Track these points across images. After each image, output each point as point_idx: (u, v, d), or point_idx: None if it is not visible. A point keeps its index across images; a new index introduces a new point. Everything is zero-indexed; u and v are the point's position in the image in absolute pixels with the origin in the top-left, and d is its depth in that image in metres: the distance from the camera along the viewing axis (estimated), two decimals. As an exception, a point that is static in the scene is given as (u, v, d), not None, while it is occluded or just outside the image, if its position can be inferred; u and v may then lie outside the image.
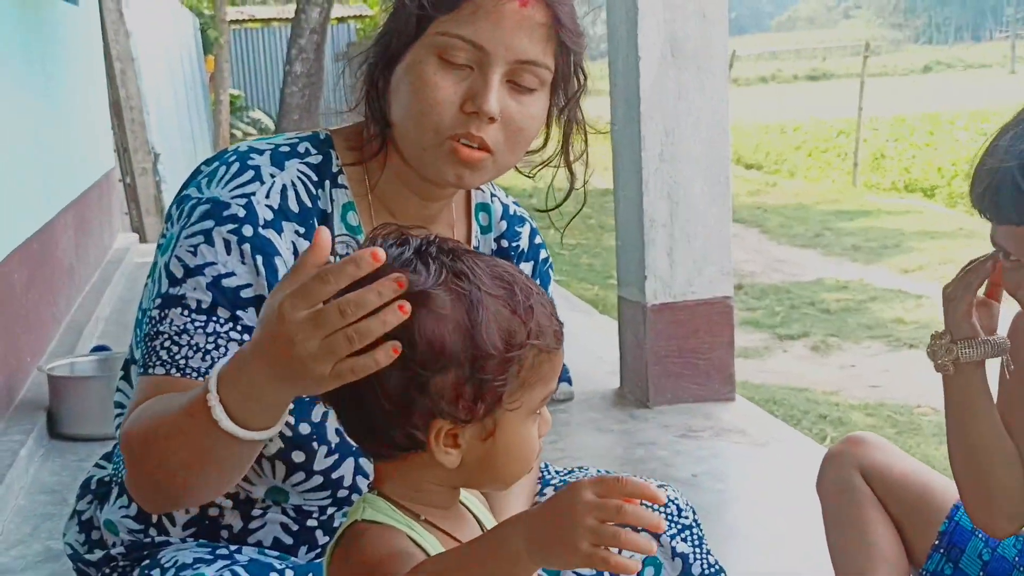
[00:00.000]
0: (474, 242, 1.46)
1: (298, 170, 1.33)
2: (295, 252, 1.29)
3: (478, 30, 1.25)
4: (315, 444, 1.32)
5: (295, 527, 1.38)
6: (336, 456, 1.34)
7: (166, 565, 1.31)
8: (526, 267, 1.50)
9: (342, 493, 1.37)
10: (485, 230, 1.48)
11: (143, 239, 8.40)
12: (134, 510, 1.38)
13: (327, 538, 1.39)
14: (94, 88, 7.27)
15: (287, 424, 1.30)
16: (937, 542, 1.77)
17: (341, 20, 20.78)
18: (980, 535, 1.74)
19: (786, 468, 3.17)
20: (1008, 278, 1.35)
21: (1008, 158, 1.26)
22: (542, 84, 1.31)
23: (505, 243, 1.49)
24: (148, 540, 1.38)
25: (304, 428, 1.32)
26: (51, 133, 5.16)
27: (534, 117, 1.31)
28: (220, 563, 1.29)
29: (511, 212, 1.51)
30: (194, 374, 1.24)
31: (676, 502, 1.50)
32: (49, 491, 3.23)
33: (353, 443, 1.29)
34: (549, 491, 1.52)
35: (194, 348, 1.24)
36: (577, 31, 1.32)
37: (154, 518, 1.38)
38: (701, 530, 1.49)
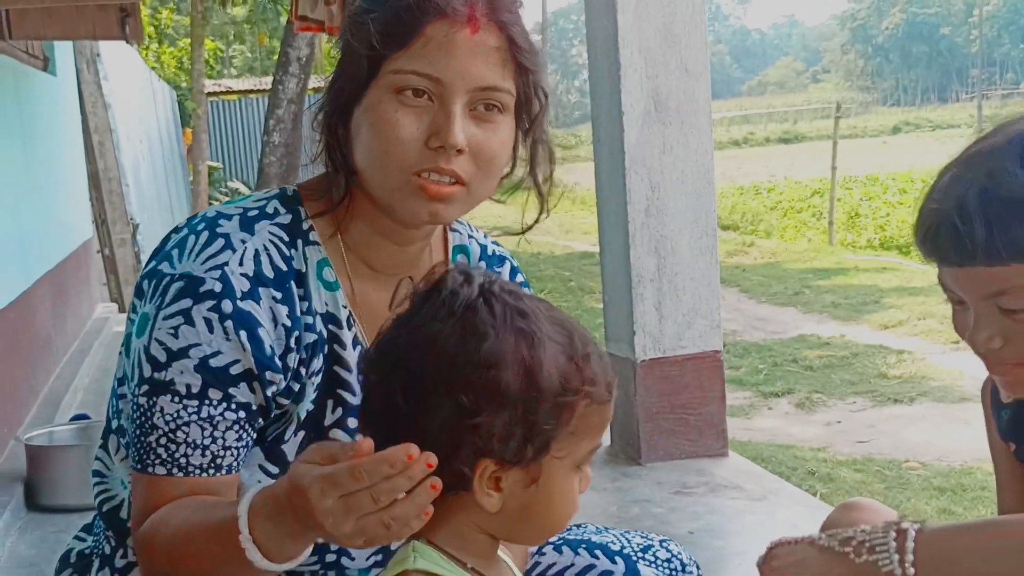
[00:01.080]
0: None
1: (269, 232, 1.29)
2: (274, 319, 1.25)
3: (432, 63, 1.23)
4: None
5: None
6: None
7: None
8: None
9: (329, 557, 1.34)
10: None
11: (122, 309, 8.33)
12: None
13: None
14: (72, 159, 7.26)
15: None
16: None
17: (317, 90, 20.93)
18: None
19: (784, 523, 3.12)
20: (956, 321, 1.33)
21: (946, 200, 1.24)
22: (505, 109, 1.28)
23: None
24: None
25: None
26: (29, 203, 5.13)
27: (503, 143, 1.28)
28: None
29: (489, 252, 1.49)
30: (198, 472, 1.22)
31: (679, 557, 1.46)
32: (27, 564, 3.14)
33: None
34: (547, 548, 1.48)
35: (192, 445, 1.22)
36: (532, 50, 1.29)
37: None
38: None
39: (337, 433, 1.32)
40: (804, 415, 5.79)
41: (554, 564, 1.45)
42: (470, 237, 1.49)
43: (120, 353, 1.33)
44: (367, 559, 1.35)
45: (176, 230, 1.31)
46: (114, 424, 1.36)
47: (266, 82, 20.49)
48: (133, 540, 1.25)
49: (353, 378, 1.32)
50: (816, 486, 4.21)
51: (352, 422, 1.32)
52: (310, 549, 1.09)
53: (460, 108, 1.24)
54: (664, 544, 1.48)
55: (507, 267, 1.50)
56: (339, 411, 1.32)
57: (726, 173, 19.59)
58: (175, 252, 1.27)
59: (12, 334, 4.33)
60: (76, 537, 1.47)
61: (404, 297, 1.07)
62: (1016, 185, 1.20)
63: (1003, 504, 1.59)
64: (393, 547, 1.30)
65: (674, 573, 1.44)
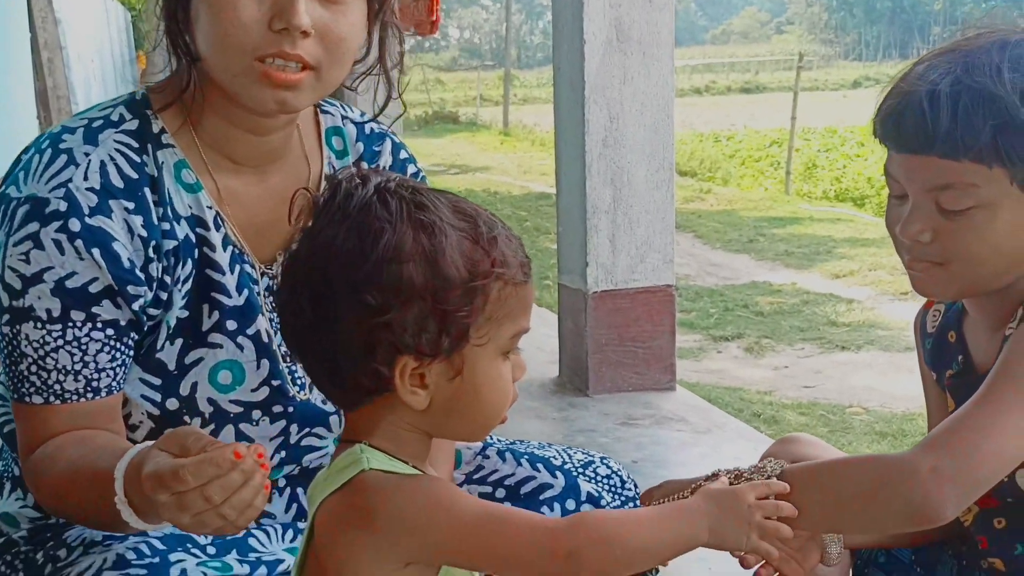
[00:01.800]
0: (327, 169, 1.38)
1: (115, 141, 1.24)
2: (129, 230, 1.21)
3: None
4: (186, 418, 1.27)
5: None
6: (212, 426, 1.29)
7: (73, 544, 1.25)
8: None
9: None
10: (341, 155, 1.41)
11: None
12: (32, 500, 1.32)
13: None
14: (19, 74, 7.07)
15: (152, 403, 1.26)
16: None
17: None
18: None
19: (728, 455, 3.15)
20: (889, 215, 1.33)
21: (918, 84, 1.23)
22: None
23: (366, 164, 1.40)
24: (53, 522, 1.32)
25: (172, 404, 1.26)
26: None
27: (352, 24, 1.24)
28: (133, 538, 1.22)
29: (367, 131, 1.43)
30: (74, 397, 1.20)
31: (620, 474, 1.47)
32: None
33: (230, 409, 1.27)
34: (492, 451, 1.48)
35: (63, 371, 1.20)
36: None
37: None
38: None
39: (216, 337, 1.28)
40: (753, 359, 5.85)
41: (496, 471, 1.45)
42: (344, 118, 1.42)
43: None
44: (270, 457, 1.31)
45: (25, 150, 1.27)
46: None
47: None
48: (23, 473, 1.24)
49: (227, 279, 1.28)
50: (761, 427, 4.25)
51: (231, 324, 1.29)
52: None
53: None
54: (604, 461, 1.49)
55: (387, 144, 1.45)
56: (216, 314, 1.28)
57: (686, 120, 19.58)
58: (21, 174, 1.23)
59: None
60: None
61: (301, 209, 1.04)
62: (990, 82, 1.20)
63: (932, 429, 1.61)
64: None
65: (613, 489, 1.46)
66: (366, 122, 1.45)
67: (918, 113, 1.22)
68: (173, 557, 1.21)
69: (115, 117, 1.27)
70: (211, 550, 1.28)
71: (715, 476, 1.22)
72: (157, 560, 1.19)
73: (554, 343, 3.98)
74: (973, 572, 1.42)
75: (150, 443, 1.06)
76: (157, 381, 1.26)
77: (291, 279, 1.03)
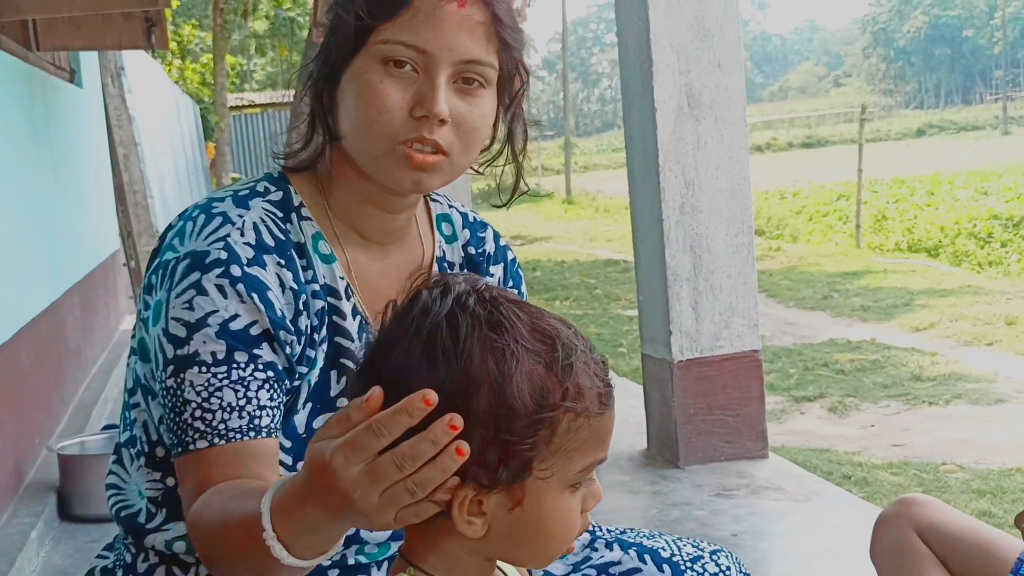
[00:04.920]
0: (439, 252, 1.45)
1: (263, 208, 1.31)
2: (281, 284, 1.27)
3: (419, 34, 1.25)
4: None
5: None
6: None
7: None
8: (496, 270, 1.50)
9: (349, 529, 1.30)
10: (450, 240, 1.48)
11: (148, 321, 8.32)
12: None
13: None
14: (99, 172, 7.28)
15: (286, 467, 1.27)
16: (1004, 595, 1.70)
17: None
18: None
19: (829, 523, 3.06)
20: None
21: None
22: (488, 83, 1.31)
23: (472, 250, 1.48)
24: None
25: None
26: (58, 214, 5.14)
27: (484, 115, 1.31)
28: None
29: (471, 219, 1.51)
30: (238, 435, 1.21)
31: (727, 573, 1.43)
32: (60, 574, 3.12)
33: None
34: (600, 544, 1.46)
35: (227, 409, 1.21)
36: (516, 27, 1.32)
37: None
38: None
39: (343, 402, 1.31)
40: (837, 419, 5.72)
41: (603, 557, 1.44)
42: (450, 207, 1.51)
43: (128, 364, 1.34)
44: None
45: (170, 227, 1.33)
46: (124, 436, 1.37)
47: (288, 95, 20.57)
48: (188, 526, 1.23)
49: (355, 347, 1.33)
50: (853, 490, 4.14)
51: None
52: (340, 543, 1.06)
53: (444, 79, 1.26)
54: (714, 557, 1.44)
55: (490, 232, 1.52)
56: (344, 381, 1.33)
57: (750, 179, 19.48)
58: (176, 240, 1.29)
59: (42, 344, 4.33)
60: (98, 556, 1.47)
61: (385, 315, 1.01)
62: None
63: None
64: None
65: None
66: (469, 212, 1.53)
67: None
68: None
69: (260, 188, 1.34)
70: None
71: None
72: None
73: (638, 414, 3.92)
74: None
75: (292, 473, 1.06)
76: (288, 444, 1.28)
77: (362, 386, 0.98)
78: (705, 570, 1.42)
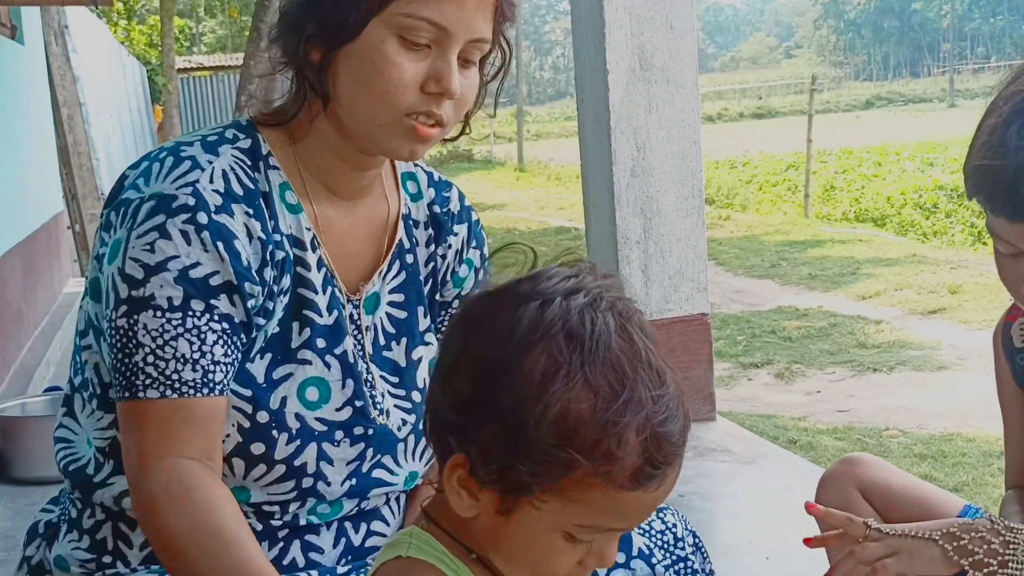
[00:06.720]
0: (404, 209, 1.45)
1: (232, 155, 1.31)
2: (248, 233, 1.26)
3: (443, 12, 1.26)
4: (275, 432, 1.28)
5: (259, 527, 1.31)
6: (298, 442, 1.29)
7: None
8: (460, 229, 1.50)
9: (306, 482, 1.31)
10: (415, 197, 1.48)
11: (93, 285, 8.21)
12: (86, 543, 1.33)
13: (290, 537, 1.33)
14: (41, 132, 7.13)
15: (243, 414, 1.27)
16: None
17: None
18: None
19: (775, 485, 3.10)
20: (1006, 270, 1.29)
21: (1001, 156, 1.19)
22: (480, 57, 1.33)
23: (437, 208, 1.48)
24: (100, 573, 1.32)
25: (262, 416, 1.28)
26: (-2, 173, 5.03)
27: (474, 89, 1.34)
28: None
29: (436, 178, 1.52)
30: (191, 391, 1.20)
31: (674, 530, 1.45)
32: (2, 536, 3.07)
33: (316, 427, 1.29)
34: None
35: (182, 360, 1.20)
36: (515, 3, 1.34)
37: (109, 545, 1.32)
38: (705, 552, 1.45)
39: (305, 353, 1.32)
40: (784, 385, 5.80)
41: None
42: (416, 165, 1.51)
43: (80, 307, 1.32)
44: (342, 483, 1.33)
45: (134, 166, 1.31)
46: (77, 381, 1.35)
47: (237, 58, 20.26)
48: (131, 486, 1.22)
49: (319, 299, 1.33)
50: (798, 454, 4.20)
51: (320, 342, 1.32)
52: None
53: (455, 56, 1.28)
54: (660, 514, 1.45)
55: (455, 192, 1.52)
56: (306, 332, 1.32)
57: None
58: (140, 180, 1.27)
59: (-18, 306, 4.24)
60: (43, 510, 1.45)
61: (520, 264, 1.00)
62: None
63: (1011, 457, 1.56)
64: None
65: (666, 545, 1.42)
66: (433, 171, 1.53)
67: (1009, 188, 1.19)
68: None
69: (229, 135, 1.33)
70: None
71: None
72: None
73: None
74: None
75: None
76: (247, 392, 1.28)
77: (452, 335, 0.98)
78: (651, 527, 1.42)
